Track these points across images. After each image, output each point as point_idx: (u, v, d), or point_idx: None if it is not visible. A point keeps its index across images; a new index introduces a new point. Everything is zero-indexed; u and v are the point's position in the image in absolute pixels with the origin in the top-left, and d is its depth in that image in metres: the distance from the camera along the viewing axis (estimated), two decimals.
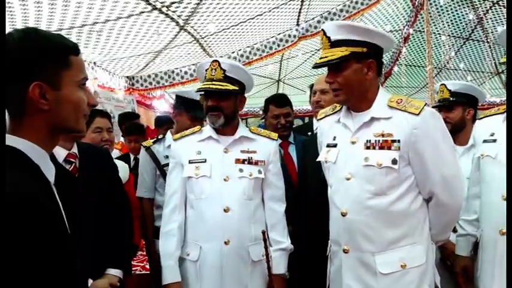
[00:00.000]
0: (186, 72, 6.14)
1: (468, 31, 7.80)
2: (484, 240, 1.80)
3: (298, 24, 5.79)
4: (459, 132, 2.33)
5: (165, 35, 4.72)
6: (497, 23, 7.33)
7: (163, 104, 8.12)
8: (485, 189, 1.82)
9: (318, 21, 5.77)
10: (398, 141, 1.48)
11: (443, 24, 7.37)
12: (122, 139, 4.46)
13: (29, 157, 0.87)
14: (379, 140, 1.50)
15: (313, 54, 7.45)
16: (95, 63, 5.42)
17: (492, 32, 7.61)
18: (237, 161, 1.84)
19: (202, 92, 1.87)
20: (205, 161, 1.83)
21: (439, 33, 7.55)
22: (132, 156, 3.76)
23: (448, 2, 7.09)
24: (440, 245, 2.22)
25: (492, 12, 7.15)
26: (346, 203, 1.56)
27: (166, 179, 1.98)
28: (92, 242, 1.58)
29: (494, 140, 1.81)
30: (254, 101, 10.60)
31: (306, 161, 2.30)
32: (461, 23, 7.59)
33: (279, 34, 5.79)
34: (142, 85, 6.46)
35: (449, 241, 2.20)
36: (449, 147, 1.54)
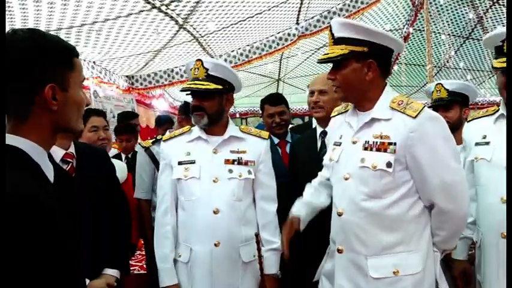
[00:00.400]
0: (185, 71, 6.14)
1: (468, 30, 7.80)
2: (485, 244, 1.78)
3: (297, 23, 5.79)
4: (455, 131, 2.33)
5: (165, 33, 4.73)
6: (497, 22, 7.33)
7: (162, 103, 8.13)
8: (482, 192, 1.80)
9: (318, 20, 5.77)
10: (395, 144, 1.44)
11: (443, 23, 7.37)
12: None
13: (31, 157, 0.88)
14: (377, 142, 1.47)
15: (313, 53, 7.45)
16: (94, 62, 5.42)
17: (492, 31, 7.60)
18: (227, 161, 1.82)
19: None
20: (194, 162, 1.81)
21: (439, 32, 7.55)
22: (123, 156, 3.76)
23: (448, 1, 7.09)
24: None
25: (492, 11, 7.15)
26: (343, 203, 1.55)
27: (158, 179, 1.97)
28: (90, 241, 1.58)
29: (488, 143, 1.78)
30: (254, 100, 10.60)
31: (296, 159, 2.29)
32: (461, 22, 7.59)
33: (279, 33, 5.79)
34: (141, 84, 6.47)
35: None
36: (450, 151, 1.47)
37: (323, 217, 1.70)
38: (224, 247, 1.76)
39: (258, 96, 8.29)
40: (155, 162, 2.44)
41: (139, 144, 2.73)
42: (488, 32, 7.60)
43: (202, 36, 5.16)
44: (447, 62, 8.72)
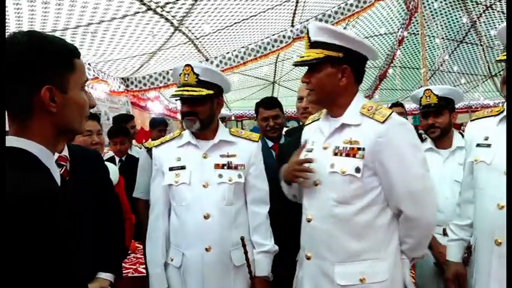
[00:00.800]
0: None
1: (462, 34, 7.87)
2: (478, 249, 1.76)
3: (292, 26, 5.81)
4: (446, 136, 2.34)
5: (160, 35, 4.72)
6: (490, 26, 7.40)
7: (158, 106, 8.11)
8: (479, 196, 1.77)
9: None
10: (363, 149, 1.43)
11: (437, 27, 7.42)
12: None
13: (41, 160, 0.88)
14: (346, 147, 1.47)
15: None
16: (89, 64, 5.40)
17: (485, 35, 7.68)
18: (217, 166, 1.81)
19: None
20: (184, 168, 1.82)
21: (433, 36, 7.61)
22: (117, 159, 3.74)
23: (442, 5, 7.15)
24: (436, 251, 2.23)
25: (485, 16, 7.22)
26: (312, 209, 1.55)
27: (150, 185, 1.97)
28: (88, 245, 1.57)
29: (489, 145, 1.73)
30: (249, 103, 10.61)
31: (283, 162, 2.30)
32: (455, 26, 7.65)
33: (274, 35, 5.80)
34: (137, 86, 6.45)
35: (444, 246, 2.21)
36: (417, 159, 1.46)
37: (294, 223, 1.69)
38: (215, 251, 1.76)
39: (253, 99, 8.29)
40: None
41: (141, 145, 2.71)
42: (481, 36, 7.71)
43: (197, 38, 5.15)
44: (441, 65, 8.78)
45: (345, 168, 1.45)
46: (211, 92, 1.78)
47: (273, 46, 5.85)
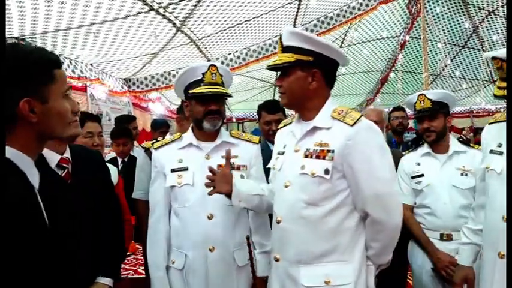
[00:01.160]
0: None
1: (464, 39, 7.86)
2: (483, 259, 1.76)
3: (295, 27, 5.81)
4: (441, 140, 2.34)
5: (162, 36, 4.73)
6: (492, 31, 7.39)
7: (159, 107, 8.11)
8: (488, 204, 1.76)
9: (315, 25, 5.80)
10: (333, 151, 1.45)
11: (439, 32, 7.42)
12: None
13: (16, 165, 0.93)
14: (316, 149, 1.49)
15: None
16: (91, 64, 5.41)
17: (488, 41, 7.67)
18: (219, 166, 1.81)
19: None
20: (187, 169, 1.83)
21: (435, 41, 7.61)
22: (119, 160, 3.74)
23: (444, 10, 7.15)
24: (434, 256, 2.22)
25: (488, 21, 7.21)
26: (282, 210, 1.56)
27: (150, 187, 1.97)
28: (90, 247, 1.56)
29: (501, 153, 1.70)
30: (250, 105, 10.62)
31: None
32: (457, 30, 7.65)
33: (276, 36, 5.81)
34: (138, 87, 6.47)
35: (442, 251, 2.21)
36: (385, 163, 1.47)
37: None
38: (219, 252, 1.77)
39: (254, 101, 8.30)
40: None
41: (139, 146, 2.70)
42: (483, 42, 7.71)
43: (199, 39, 5.16)
44: (443, 70, 8.77)
45: (314, 170, 1.47)
46: (230, 92, 1.87)
47: (274, 48, 5.87)
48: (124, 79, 6.40)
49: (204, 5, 4.28)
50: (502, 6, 6.73)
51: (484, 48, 7.86)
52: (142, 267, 3.84)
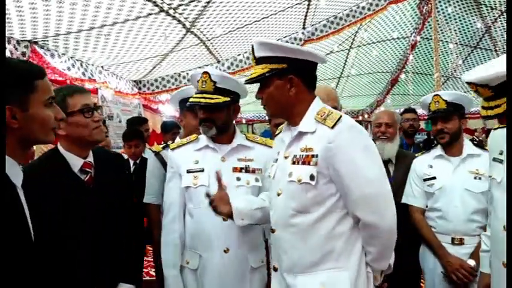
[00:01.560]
0: (189, 80, 6.16)
1: (476, 39, 7.77)
2: (492, 268, 1.77)
3: (304, 28, 5.80)
4: (455, 142, 2.30)
5: (172, 37, 4.75)
6: (505, 32, 7.30)
7: (169, 109, 8.13)
8: (493, 213, 1.77)
9: (324, 25, 5.77)
10: (317, 156, 1.42)
11: (451, 32, 7.35)
12: None
13: None
14: (302, 155, 1.46)
15: None
16: (102, 67, 5.46)
17: (500, 41, 7.58)
18: (235, 169, 1.85)
19: None
20: (203, 171, 1.85)
21: (446, 41, 7.54)
22: (131, 162, 3.75)
23: (456, 10, 7.08)
24: (444, 260, 2.20)
25: (500, 21, 7.12)
26: (275, 219, 1.54)
27: (165, 187, 1.99)
28: (104, 253, 1.57)
29: (501, 161, 1.70)
30: (260, 106, 10.60)
31: None
32: (469, 31, 7.56)
33: (285, 37, 5.79)
34: (149, 89, 6.51)
35: (454, 256, 2.17)
36: (370, 162, 1.41)
37: None
38: (233, 253, 1.79)
39: None
40: (165, 167, 2.44)
41: (149, 149, 2.71)
42: (496, 42, 7.61)
43: (209, 40, 5.18)
44: (455, 71, 8.68)
45: (301, 176, 1.44)
46: (227, 99, 1.83)
47: None
48: (134, 81, 6.45)
49: (214, 6, 4.29)
50: None
51: (496, 48, 7.76)
52: (153, 270, 3.85)
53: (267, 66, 1.47)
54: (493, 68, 1.52)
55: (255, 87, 1.56)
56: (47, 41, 4.24)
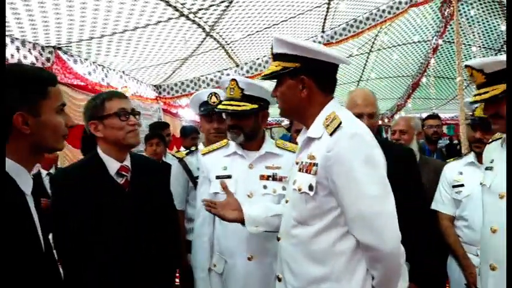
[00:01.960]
0: (211, 80, 6.19)
1: (500, 42, 7.60)
2: (480, 272, 1.75)
3: (323, 31, 5.77)
4: None
5: (192, 41, 4.80)
6: None
7: (189, 113, 8.19)
8: (483, 219, 1.77)
9: (344, 29, 5.73)
10: (317, 164, 1.32)
11: (474, 35, 7.20)
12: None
13: (8, 173, 1.02)
14: (307, 163, 1.37)
15: None
16: (123, 72, 5.55)
17: None
18: (262, 177, 1.85)
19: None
20: (230, 177, 1.86)
21: (469, 44, 7.39)
22: None
23: (479, 13, 6.93)
24: (467, 271, 2.15)
25: None
26: (282, 227, 1.50)
27: (196, 191, 2.03)
28: (141, 258, 1.59)
29: (491, 168, 1.74)
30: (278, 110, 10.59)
31: None
32: (492, 34, 7.40)
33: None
34: (169, 93, 6.58)
35: (474, 265, 2.11)
36: (371, 177, 1.26)
37: None
38: (257, 261, 1.79)
39: None
40: (189, 173, 2.45)
41: (172, 155, 2.73)
42: None
43: (228, 44, 5.20)
44: None
45: (301, 185, 1.36)
46: (255, 106, 1.83)
47: None
48: (154, 85, 6.53)
49: (233, 9, 4.31)
50: None
51: None
52: (177, 274, 3.86)
53: (280, 63, 1.42)
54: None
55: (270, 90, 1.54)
56: (71, 46, 4.34)
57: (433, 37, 7.56)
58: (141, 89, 6.12)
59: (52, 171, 3.67)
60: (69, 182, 1.58)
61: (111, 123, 1.60)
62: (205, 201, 1.67)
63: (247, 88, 1.83)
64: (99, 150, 1.64)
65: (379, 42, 7.27)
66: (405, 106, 9.91)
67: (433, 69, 8.34)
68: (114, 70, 5.34)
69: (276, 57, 1.44)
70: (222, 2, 4.04)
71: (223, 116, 2.22)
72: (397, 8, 5.66)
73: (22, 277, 0.94)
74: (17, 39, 3.77)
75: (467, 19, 6.97)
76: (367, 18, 5.67)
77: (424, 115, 4.46)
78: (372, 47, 7.38)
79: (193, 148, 2.56)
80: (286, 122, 4.18)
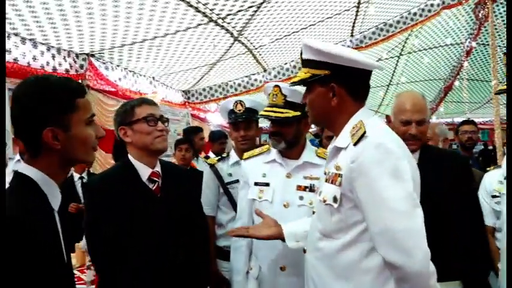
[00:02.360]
0: (239, 85, 6.23)
1: None
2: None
3: (352, 35, 5.71)
4: None
5: (220, 46, 4.84)
6: None
7: (217, 118, 8.27)
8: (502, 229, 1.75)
9: (373, 33, 5.65)
10: (342, 176, 1.25)
11: None
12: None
13: (39, 186, 1.01)
14: (333, 173, 1.30)
15: None
16: (153, 78, 5.66)
17: None
18: (299, 187, 1.82)
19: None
20: (268, 185, 1.85)
21: (505, 47, 7.13)
22: None
23: None
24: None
25: None
26: (308, 239, 1.46)
27: (237, 195, 2.06)
28: (170, 264, 1.60)
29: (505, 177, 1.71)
30: None
31: None
32: None
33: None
34: (197, 98, 6.66)
35: None
36: (397, 191, 1.16)
37: None
38: (289, 272, 1.78)
39: None
40: (220, 179, 2.46)
41: (204, 161, 2.74)
42: None
43: (256, 48, 5.22)
44: None
45: (326, 196, 1.30)
46: (297, 113, 1.80)
47: None
48: (183, 91, 6.62)
49: (261, 14, 4.33)
50: None
51: None
52: None
53: (309, 70, 1.35)
54: None
55: None
56: (103, 53, 4.46)
57: (466, 39, 7.34)
58: (170, 94, 6.22)
59: (84, 174, 3.76)
60: (103, 187, 1.61)
61: (140, 128, 1.62)
62: (233, 232, 1.64)
63: (290, 95, 1.80)
64: (130, 157, 1.66)
65: (410, 46, 7.12)
66: (437, 110, 9.66)
67: (466, 72, 8.11)
68: (144, 76, 5.46)
69: (305, 63, 1.38)
70: (250, 7, 4.05)
71: (250, 123, 2.24)
72: (429, 11, 5.53)
73: None
74: (52, 47, 3.91)
75: (503, 20, 6.72)
76: (398, 22, 5.57)
77: (456, 119, 4.31)
78: (402, 50, 7.24)
79: (224, 154, 2.57)
80: (313, 128, 4.13)
